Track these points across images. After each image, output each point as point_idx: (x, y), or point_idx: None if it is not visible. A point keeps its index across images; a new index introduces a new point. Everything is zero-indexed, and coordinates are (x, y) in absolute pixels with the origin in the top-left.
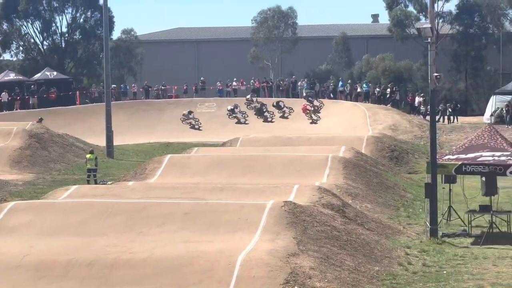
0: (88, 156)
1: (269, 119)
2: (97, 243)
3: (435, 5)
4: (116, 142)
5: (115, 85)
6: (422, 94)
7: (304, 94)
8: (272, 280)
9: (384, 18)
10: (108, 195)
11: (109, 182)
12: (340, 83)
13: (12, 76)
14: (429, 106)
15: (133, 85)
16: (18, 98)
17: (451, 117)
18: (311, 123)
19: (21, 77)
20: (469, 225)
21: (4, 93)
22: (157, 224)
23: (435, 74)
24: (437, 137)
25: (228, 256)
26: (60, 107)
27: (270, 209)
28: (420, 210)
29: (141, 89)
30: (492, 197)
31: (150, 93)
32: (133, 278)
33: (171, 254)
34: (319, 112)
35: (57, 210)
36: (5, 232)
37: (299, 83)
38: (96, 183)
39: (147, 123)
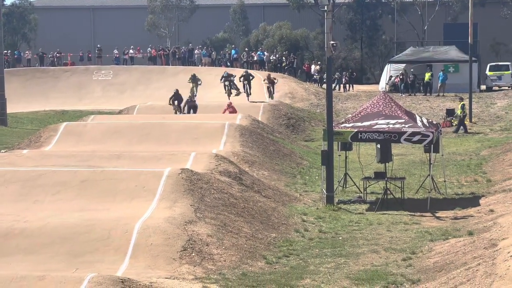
0: None
1: None
2: None
3: None
4: (10, 109)
5: (8, 51)
6: (318, 62)
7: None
8: (170, 247)
9: None
10: (1, 163)
11: (3, 151)
12: (233, 51)
13: None
14: (324, 74)
15: (27, 52)
16: None
17: (347, 85)
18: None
19: None
20: (365, 192)
21: None
22: (53, 192)
23: (332, 42)
24: (333, 105)
25: (125, 224)
26: None
27: (167, 177)
28: (317, 177)
29: (35, 56)
30: (387, 164)
31: (44, 60)
32: (28, 247)
33: (67, 222)
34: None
35: None
36: None
37: (195, 51)
38: None
39: (42, 91)
